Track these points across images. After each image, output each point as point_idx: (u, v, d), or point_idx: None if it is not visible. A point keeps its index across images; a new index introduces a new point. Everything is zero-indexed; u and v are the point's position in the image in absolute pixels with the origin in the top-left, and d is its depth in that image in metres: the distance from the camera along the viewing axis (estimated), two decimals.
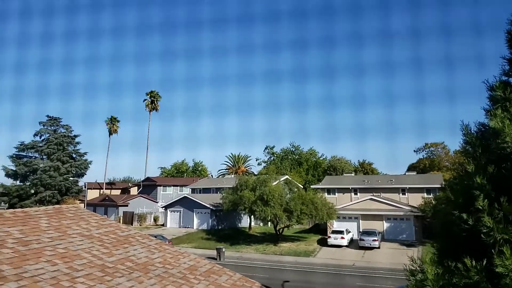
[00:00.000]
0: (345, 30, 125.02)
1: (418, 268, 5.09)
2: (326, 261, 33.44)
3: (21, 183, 63.07)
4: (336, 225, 42.44)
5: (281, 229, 41.29)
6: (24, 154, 64.02)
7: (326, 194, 48.01)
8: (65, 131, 66.48)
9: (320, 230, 45.83)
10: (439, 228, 5.55)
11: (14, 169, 61.93)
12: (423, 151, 75.52)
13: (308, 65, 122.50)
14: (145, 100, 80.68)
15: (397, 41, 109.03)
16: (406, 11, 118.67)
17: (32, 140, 64.33)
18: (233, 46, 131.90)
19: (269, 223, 46.06)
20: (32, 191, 60.93)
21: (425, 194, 43.70)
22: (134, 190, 75.94)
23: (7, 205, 61.91)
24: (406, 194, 45.95)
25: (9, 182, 65.04)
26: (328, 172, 71.27)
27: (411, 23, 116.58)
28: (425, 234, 39.05)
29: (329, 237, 39.10)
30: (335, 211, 40.28)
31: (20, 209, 8.18)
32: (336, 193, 49.71)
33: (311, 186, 52.97)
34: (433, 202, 38.31)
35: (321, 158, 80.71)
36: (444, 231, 5.31)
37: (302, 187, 53.54)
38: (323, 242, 40.04)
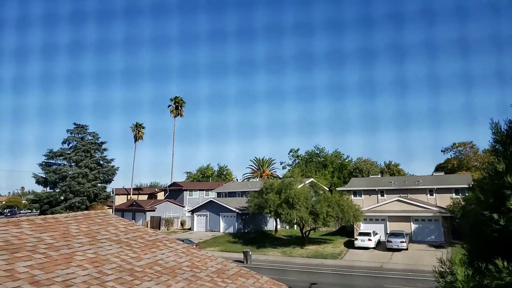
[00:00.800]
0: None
1: (447, 270, 4.98)
2: (353, 263, 33.05)
3: (51, 190, 64.86)
4: (363, 227, 41.91)
5: (307, 231, 41.04)
6: (53, 161, 65.86)
7: (352, 196, 47.54)
8: (92, 138, 68.03)
9: (346, 232, 45.34)
10: (469, 228, 5.42)
11: (44, 176, 63.72)
12: (450, 151, 73.65)
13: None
14: (169, 106, 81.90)
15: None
16: None
17: (61, 148, 66.15)
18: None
19: (295, 225, 45.89)
20: (62, 198, 62.55)
21: (454, 194, 42.71)
22: (160, 195, 76.91)
23: (38, 211, 63.86)
24: (434, 194, 44.99)
25: (39, 189, 67.08)
26: (353, 174, 70.46)
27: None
28: (454, 235, 38.12)
29: (356, 239, 38.66)
30: (361, 213, 39.83)
31: (50, 215, 8.41)
32: (363, 195, 49.14)
33: (337, 189, 52.51)
34: (462, 202, 37.37)
35: (346, 160, 79.89)
36: (474, 231, 5.19)
37: (327, 189, 53.11)
38: (350, 244, 39.58)
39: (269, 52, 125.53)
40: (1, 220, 7.24)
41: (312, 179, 55.39)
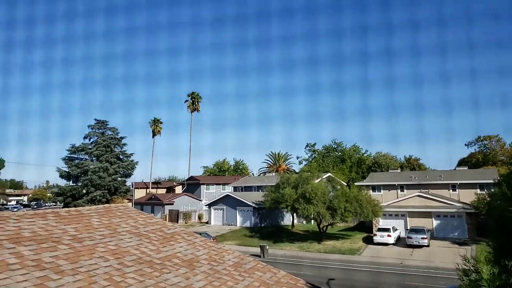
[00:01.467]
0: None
1: (472, 268, 4.87)
2: (372, 259, 32.73)
3: (74, 184, 66.18)
4: (382, 222, 41.47)
5: (325, 227, 40.84)
6: (75, 156, 67.13)
7: (371, 191, 47.06)
8: (112, 133, 69.04)
9: (365, 228, 44.98)
10: (494, 225, 5.28)
11: (67, 170, 65.08)
12: (475, 144, 71.06)
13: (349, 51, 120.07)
14: (186, 101, 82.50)
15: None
16: None
17: (82, 143, 67.35)
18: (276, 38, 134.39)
19: (312, 221, 45.76)
20: (84, 191, 63.77)
21: (478, 190, 41.71)
22: (178, 189, 77.69)
23: (62, 204, 65.30)
24: (457, 190, 44.10)
25: (63, 182, 68.60)
26: (372, 169, 69.71)
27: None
28: (478, 232, 37.38)
29: (375, 234, 38.27)
30: (380, 208, 39.40)
31: (74, 208, 8.57)
32: (382, 190, 48.55)
33: (355, 183, 52.06)
34: (487, 198, 36.40)
35: (365, 155, 79.06)
36: (500, 228, 5.05)
37: (345, 184, 52.70)
38: (368, 240, 39.25)
39: (283, 56, 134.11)
40: (29, 212, 7.43)
41: (329, 173, 55.07)
